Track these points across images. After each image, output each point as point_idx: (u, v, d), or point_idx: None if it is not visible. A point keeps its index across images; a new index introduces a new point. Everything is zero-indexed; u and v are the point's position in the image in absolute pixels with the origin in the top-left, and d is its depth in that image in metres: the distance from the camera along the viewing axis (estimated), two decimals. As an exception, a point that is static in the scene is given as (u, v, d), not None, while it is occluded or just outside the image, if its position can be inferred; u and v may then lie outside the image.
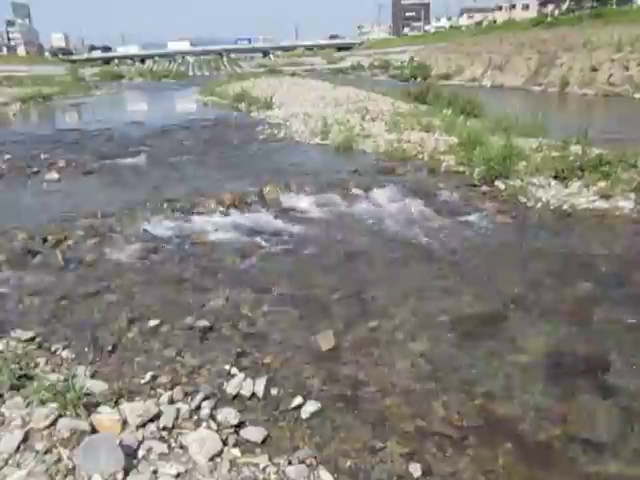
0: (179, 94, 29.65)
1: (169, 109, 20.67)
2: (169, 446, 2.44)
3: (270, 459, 2.41)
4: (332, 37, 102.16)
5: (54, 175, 8.08)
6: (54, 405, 2.55)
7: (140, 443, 2.42)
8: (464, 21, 75.61)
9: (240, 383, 2.90)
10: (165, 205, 6.09)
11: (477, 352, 3.19)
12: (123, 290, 4.20)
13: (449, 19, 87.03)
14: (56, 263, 4.68)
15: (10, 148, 10.80)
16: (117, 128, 14.01)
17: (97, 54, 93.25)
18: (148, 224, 5.62)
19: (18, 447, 2.32)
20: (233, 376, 2.99)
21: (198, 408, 2.73)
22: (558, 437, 2.54)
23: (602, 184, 6.12)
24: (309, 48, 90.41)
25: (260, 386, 2.88)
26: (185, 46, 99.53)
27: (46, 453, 2.30)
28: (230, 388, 2.88)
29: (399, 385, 2.91)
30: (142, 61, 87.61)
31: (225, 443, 2.48)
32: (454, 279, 4.24)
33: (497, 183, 6.65)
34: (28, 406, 2.58)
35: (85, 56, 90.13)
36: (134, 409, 2.60)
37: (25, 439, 2.37)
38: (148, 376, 2.99)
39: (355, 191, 6.67)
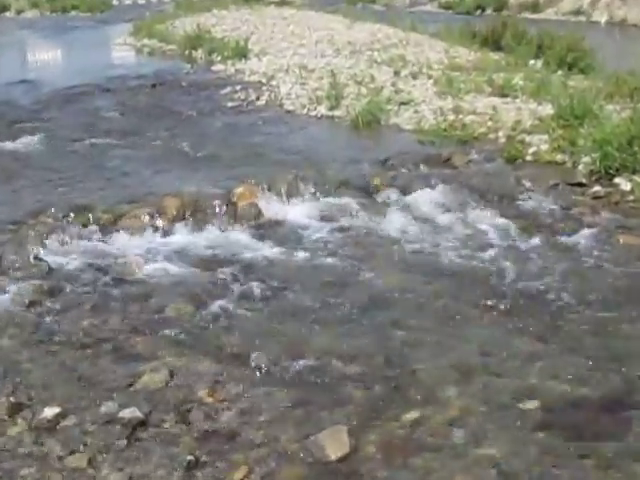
0: (97, 36, 30.00)
1: (80, 60, 20.89)
2: None
3: None
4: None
5: None
6: None
7: None
8: None
9: (192, 513, 2.91)
10: (72, 218, 6.17)
11: (584, 461, 3.18)
12: (2, 357, 4.23)
13: None
14: None
15: None
16: (-5, 92, 14.19)
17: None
18: (44, 249, 5.68)
19: None
20: (181, 501, 3.00)
21: None
22: None
23: None
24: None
25: (225, 518, 2.88)
26: None
27: None
28: (175, 521, 2.89)
29: (455, 517, 2.92)
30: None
31: None
32: (548, 341, 4.25)
33: (618, 181, 6.70)
34: None
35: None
36: None
37: None
38: (40, 501, 3.00)
39: (384, 194, 6.73)
